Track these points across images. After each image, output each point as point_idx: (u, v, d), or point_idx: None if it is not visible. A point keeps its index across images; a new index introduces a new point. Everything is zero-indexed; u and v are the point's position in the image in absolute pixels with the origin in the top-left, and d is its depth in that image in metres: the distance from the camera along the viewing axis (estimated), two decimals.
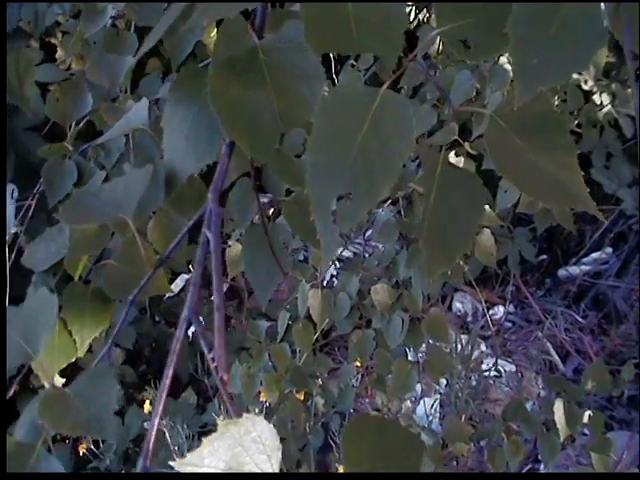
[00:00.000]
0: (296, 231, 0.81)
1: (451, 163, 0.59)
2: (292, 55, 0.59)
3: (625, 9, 0.55)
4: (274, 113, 0.58)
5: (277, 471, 0.44)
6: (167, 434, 2.23)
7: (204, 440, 0.46)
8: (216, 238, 0.59)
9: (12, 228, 1.12)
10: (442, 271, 0.59)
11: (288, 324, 1.65)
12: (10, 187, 1.14)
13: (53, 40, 2.02)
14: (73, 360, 0.83)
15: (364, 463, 0.47)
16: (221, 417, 0.49)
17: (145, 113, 0.83)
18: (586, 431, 1.76)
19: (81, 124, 1.22)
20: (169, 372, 0.56)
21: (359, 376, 2.39)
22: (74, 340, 0.79)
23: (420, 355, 1.91)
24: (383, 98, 0.54)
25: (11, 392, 0.87)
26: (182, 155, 0.66)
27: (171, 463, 0.44)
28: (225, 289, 2.70)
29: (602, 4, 0.55)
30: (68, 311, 0.78)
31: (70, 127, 1.17)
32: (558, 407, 1.66)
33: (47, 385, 0.78)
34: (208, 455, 0.44)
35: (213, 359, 0.54)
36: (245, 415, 0.49)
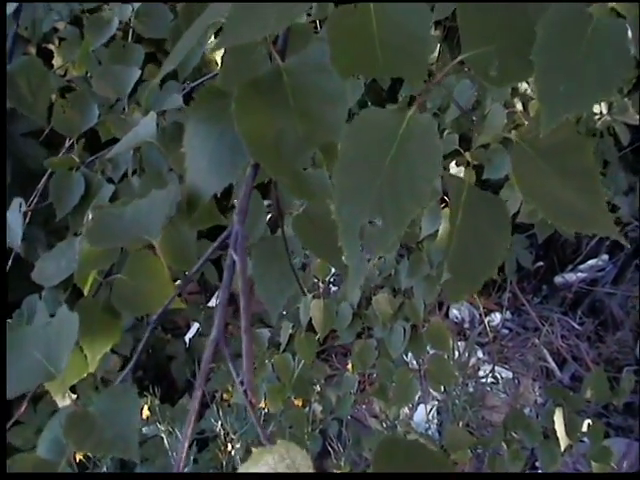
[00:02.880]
0: (305, 244, 0.81)
1: (476, 187, 0.59)
2: (316, 77, 0.59)
3: None
4: (298, 136, 0.58)
5: None
6: (165, 440, 2.22)
7: (240, 468, 0.46)
8: (242, 260, 0.59)
9: (18, 242, 1.12)
10: (467, 296, 0.59)
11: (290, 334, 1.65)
12: (17, 201, 1.13)
13: (50, 46, 2.02)
14: (84, 376, 0.83)
15: None
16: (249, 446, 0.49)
17: (153, 126, 0.83)
18: (584, 438, 1.77)
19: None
20: (198, 393, 0.56)
21: (357, 382, 2.39)
22: (85, 356, 0.79)
23: (420, 363, 1.92)
24: (410, 122, 0.54)
25: (22, 409, 0.87)
26: (205, 175, 0.66)
27: None
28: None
29: (629, 30, 0.55)
30: (79, 326, 0.78)
31: (77, 139, 1.16)
32: (558, 416, 1.66)
33: (60, 402, 0.78)
34: None
35: (242, 382, 0.54)
36: (279, 441, 0.49)
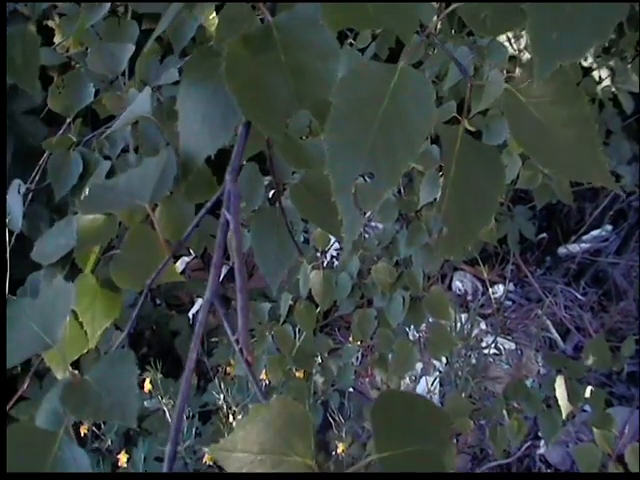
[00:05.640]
0: (304, 214, 0.80)
1: (469, 136, 0.58)
2: (307, 32, 0.58)
3: None
4: (290, 91, 0.57)
5: (312, 449, 0.44)
6: (167, 414, 2.23)
7: (235, 424, 0.46)
8: (236, 219, 0.58)
9: (19, 225, 1.11)
10: (463, 247, 0.58)
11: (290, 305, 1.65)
12: (16, 182, 1.13)
13: (50, 23, 2.00)
14: (85, 351, 0.83)
15: (394, 440, 0.47)
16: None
17: (148, 102, 0.82)
18: (586, 407, 1.77)
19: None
20: (193, 355, 0.55)
21: (359, 354, 2.39)
22: (85, 331, 0.79)
23: (421, 333, 1.92)
24: (401, 74, 0.53)
25: (25, 386, 0.87)
26: (198, 137, 0.65)
27: (205, 449, 0.44)
28: (226, 271, 2.70)
29: None
30: (79, 302, 0.78)
31: (74, 118, 1.16)
32: (559, 384, 1.66)
33: (60, 376, 0.78)
34: (241, 440, 0.44)
35: (237, 341, 0.53)
36: (275, 396, 0.48)
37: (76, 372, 0.59)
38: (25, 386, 0.86)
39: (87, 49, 1.50)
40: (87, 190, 0.69)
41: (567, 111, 0.57)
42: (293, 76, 0.57)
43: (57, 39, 1.89)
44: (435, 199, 1.54)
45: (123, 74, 1.18)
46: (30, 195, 1.35)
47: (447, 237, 0.56)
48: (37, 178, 1.33)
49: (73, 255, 0.81)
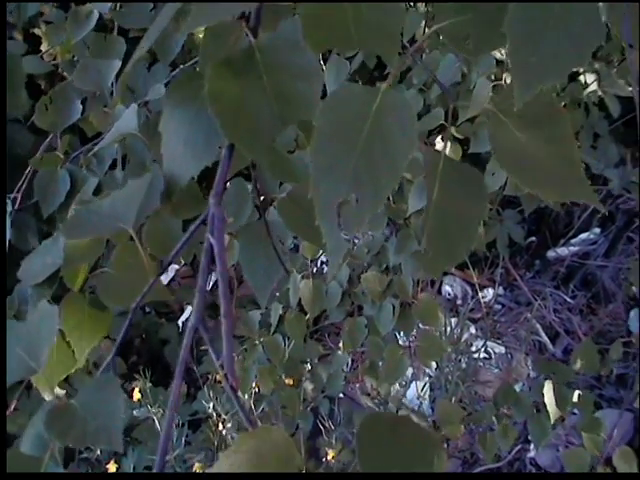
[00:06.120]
0: (291, 228, 0.80)
1: (451, 159, 0.58)
2: (289, 53, 0.58)
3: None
4: (273, 113, 0.57)
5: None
6: (157, 422, 2.23)
7: (221, 455, 0.46)
8: (220, 244, 0.58)
9: (6, 243, 1.10)
10: (446, 269, 0.58)
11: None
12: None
13: (37, 31, 1.99)
14: (72, 371, 0.82)
15: (379, 463, 0.47)
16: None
17: (135, 119, 0.82)
18: (576, 410, 1.78)
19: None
20: (179, 382, 0.55)
21: (349, 361, 2.39)
22: (73, 351, 0.78)
23: (411, 339, 1.92)
24: (384, 97, 0.53)
25: (11, 408, 0.86)
26: (181, 159, 0.65)
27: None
28: (215, 279, 2.69)
29: None
30: (66, 322, 0.78)
31: (61, 134, 1.15)
32: (548, 389, 1.67)
33: (48, 398, 0.77)
34: (227, 469, 0.44)
35: (222, 366, 0.53)
36: (261, 425, 0.48)
37: (63, 394, 0.58)
38: (14, 401, 0.86)
39: (74, 57, 1.50)
40: (70, 213, 0.69)
41: (548, 131, 0.57)
42: (276, 98, 0.57)
43: (44, 47, 1.88)
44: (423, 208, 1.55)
45: (111, 93, 1.18)
46: (17, 204, 1.34)
47: (430, 258, 0.57)
48: (24, 186, 1.33)
49: (60, 274, 0.81)
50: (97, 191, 1.07)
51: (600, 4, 0.54)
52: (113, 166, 1.17)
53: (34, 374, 0.61)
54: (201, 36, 1.55)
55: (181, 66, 1.51)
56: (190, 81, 0.64)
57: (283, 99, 0.57)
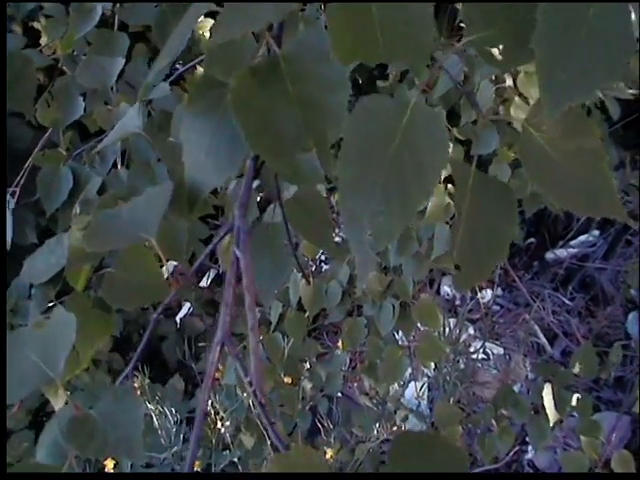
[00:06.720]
0: (298, 230, 0.80)
1: (482, 173, 0.57)
2: (315, 64, 0.57)
3: None
4: (299, 124, 0.56)
5: None
6: (155, 419, 2.22)
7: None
8: (246, 257, 0.57)
9: (9, 240, 1.10)
10: (477, 283, 0.58)
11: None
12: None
13: (36, 24, 1.98)
14: (77, 373, 0.81)
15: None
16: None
17: (139, 117, 0.81)
18: (573, 413, 1.78)
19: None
20: (205, 396, 0.55)
21: (347, 360, 2.39)
22: (77, 352, 0.78)
23: (410, 340, 1.92)
24: (413, 111, 0.52)
25: (15, 408, 0.85)
26: (203, 170, 0.64)
27: None
28: (213, 275, 2.69)
29: (633, 14, 0.53)
30: None
31: (64, 131, 1.14)
32: (547, 392, 1.67)
33: (54, 400, 0.77)
34: None
35: (250, 383, 0.53)
36: (293, 446, 0.48)
37: (79, 405, 0.58)
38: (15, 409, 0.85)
39: (74, 52, 1.49)
40: (90, 221, 0.67)
41: (578, 144, 0.57)
42: (301, 109, 0.55)
43: (43, 41, 1.87)
44: (425, 208, 1.55)
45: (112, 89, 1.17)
46: (15, 198, 1.33)
47: (462, 274, 0.56)
48: (22, 181, 1.32)
49: (64, 274, 0.80)
50: (101, 190, 1.06)
51: (633, 19, 0.52)
52: (114, 164, 1.16)
53: (52, 383, 0.60)
54: (201, 31, 1.55)
55: (180, 62, 1.50)
56: (209, 89, 0.63)
57: (309, 110, 0.56)
